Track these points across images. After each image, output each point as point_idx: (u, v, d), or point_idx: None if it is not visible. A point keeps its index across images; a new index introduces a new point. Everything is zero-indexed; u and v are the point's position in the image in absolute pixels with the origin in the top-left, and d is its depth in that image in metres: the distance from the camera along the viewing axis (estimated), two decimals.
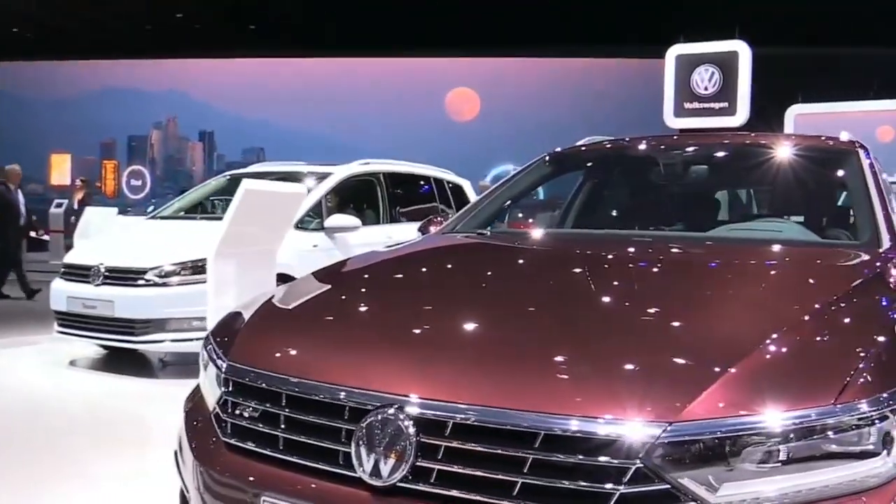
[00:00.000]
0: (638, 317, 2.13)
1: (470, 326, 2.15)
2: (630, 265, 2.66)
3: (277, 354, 2.12)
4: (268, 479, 1.93)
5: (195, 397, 2.44)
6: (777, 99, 13.88)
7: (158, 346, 6.27)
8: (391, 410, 1.79)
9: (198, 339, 6.15)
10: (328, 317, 2.36)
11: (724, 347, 1.88)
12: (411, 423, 1.76)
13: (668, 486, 1.60)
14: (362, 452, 1.80)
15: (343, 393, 1.88)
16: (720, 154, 3.56)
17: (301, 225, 6.96)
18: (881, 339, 1.91)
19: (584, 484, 1.63)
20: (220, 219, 7.62)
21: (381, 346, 2.07)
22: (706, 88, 14.15)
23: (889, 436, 1.66)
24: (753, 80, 13.46)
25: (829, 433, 1.64)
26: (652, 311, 2.16)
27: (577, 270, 2.61)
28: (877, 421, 1.65)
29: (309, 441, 1.91)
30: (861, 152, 3.23)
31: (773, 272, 2.55)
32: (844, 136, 3.51)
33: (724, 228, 3.08)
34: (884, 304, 2.19)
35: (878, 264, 2.53)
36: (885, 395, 1.68)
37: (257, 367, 2.07)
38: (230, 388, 2.11)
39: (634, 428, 1.63)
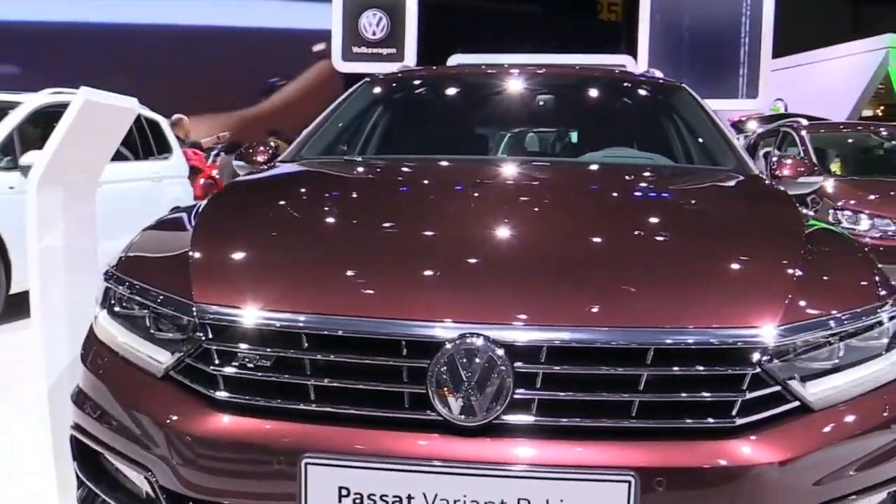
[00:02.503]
0: (643, 235, 2.09)
1: (497, 245, 1.96)
2: (562, 185, 2.59)
3: (277, 289, 1.75)
4: (305, 436, 1.59)
5: (101, 356, 1.93)
6: (442, 47, 14.51)
7: None
8: (476, 340, 1.56)
9: None
10: (317, 243, 2.03)
11: (766, 258, 1.91)
12: (503, 350, 1.56)
13: (778, 388, 1.61)
14: (446, 390, 1.55)
15: (400, 326, 1.61)
16: (560, 85, 3.60)
17: None
18: (860, 255, 2.09)
19: (705, 395, 1.58)
20: None
21: (416, 271, 1.80)
22: (374, 33, 14.35)
23: None
24: (421, 27, 13.90)
25: (877, 328, 1.77)
26: (650, 230, 2.12)
27: (532, 192, 2.50)
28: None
29: (354, 386, 1.61)
30: (687, 87, 3.45)
31: (712, 192, 2.63)
32: (658, 73, 3.72)
33: (598, 155, 3.11)
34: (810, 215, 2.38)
35: (770, 183, 2.76)
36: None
37: (253, 305, 1.69)
38: (210, 336, 1.69)
39: (750, 333, 1.61)
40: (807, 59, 19.73)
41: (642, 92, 3.59)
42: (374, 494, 1.54)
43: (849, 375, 1.70)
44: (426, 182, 2.67)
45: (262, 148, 3.26)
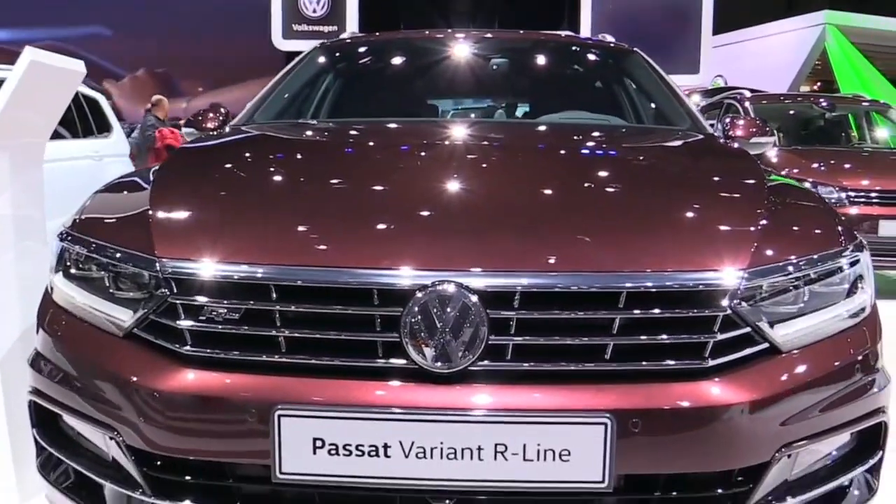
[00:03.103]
0: (613, 186, 2.11)
1: (468, 195, 1.96)
2: (523, 142, 2.59)
3: (244, 241, 1.72)
4: (277, 388, 1.57)
5: (59, 318, 1.87)
6: (383, 24, 14.39)
7: None
8: (448, 287, 1.55)
9: None
10: (284, 196, 2.00)
11: (732, 207, 1.93)
12: (476, 297, 1.54)
13: (748, 329, 1.63)
14: (420, 338, 1.53)
15: (372, 275, 1.59)
16: (513, 49, 3.59)
17: None
18: (821, 205, 2.13)
19: (677, 337, 1.59)
20: None
21: (385, 221, 1.78)
22: (315, 11, 14.15)
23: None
24: (362, 4, 13.73)
25: (838, 274, 1.81)
26: (619, 181, 2.14)
27: (495, 148, 2.49)
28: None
29: (324, 336, 1.59)
30: (640, 52, 3.47)
31: (675, 148, 2.65)
32: (610, 38, 3.72)
33: (554, 117, 3.10)
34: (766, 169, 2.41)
35: (725, 141, 2.80)
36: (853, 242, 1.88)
37: (219, 257, 1.65)
38: (175, 290, 1.65)
39: (721, 276, 1.63)
40: (743, 36, 20.06)
41: (596, 56, 3.59)
42: (349, 444, 1.52)
43: (813, 319, 1.73)
44: (386, 140, 2.65)
45: (211, 114, 3.18)
